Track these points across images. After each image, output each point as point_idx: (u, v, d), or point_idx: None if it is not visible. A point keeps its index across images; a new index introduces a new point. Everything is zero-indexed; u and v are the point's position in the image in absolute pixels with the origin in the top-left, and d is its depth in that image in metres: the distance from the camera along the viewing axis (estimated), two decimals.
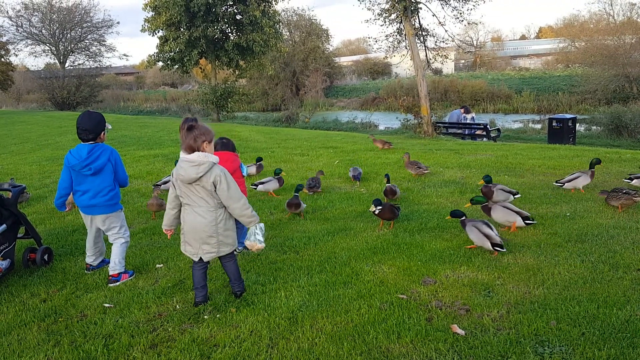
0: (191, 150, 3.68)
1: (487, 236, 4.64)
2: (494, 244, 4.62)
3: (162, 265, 4.91)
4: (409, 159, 8.64)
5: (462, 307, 3.71)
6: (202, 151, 3.68)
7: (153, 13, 25.85)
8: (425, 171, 8.50)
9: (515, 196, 6.19)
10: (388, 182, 6.91)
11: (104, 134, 4.61)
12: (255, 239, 3.88)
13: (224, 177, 3.70)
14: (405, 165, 8.69)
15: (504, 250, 4.65)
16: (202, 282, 3.94)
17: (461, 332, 3.36)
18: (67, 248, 5.57)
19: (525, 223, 5.31)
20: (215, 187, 3.69)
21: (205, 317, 3.76)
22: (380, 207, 5.58)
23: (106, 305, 4.05)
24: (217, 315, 3.77)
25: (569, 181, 6.84)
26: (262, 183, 7.42)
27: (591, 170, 6.89)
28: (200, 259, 3.86)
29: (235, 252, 5.04)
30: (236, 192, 3.75)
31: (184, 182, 3.70)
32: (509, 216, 5.29)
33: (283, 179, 7.61)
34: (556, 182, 7.08)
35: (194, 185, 3.69)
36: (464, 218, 5.00)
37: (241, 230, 5.10)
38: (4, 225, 4.63)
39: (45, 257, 5.01)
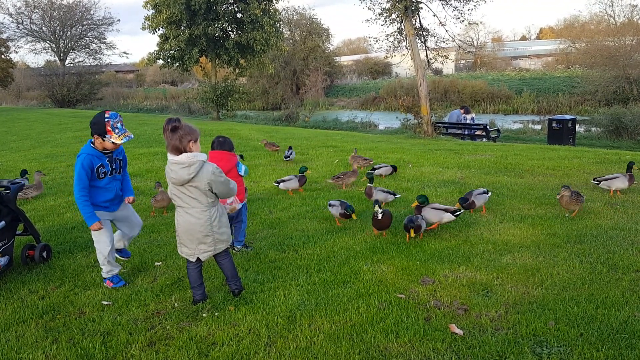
0: (177, 151, 3.59)
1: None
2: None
3: (160, 263, 4.90)
4: (356, 154, 9.34)
5: (460, 307, 3.71)
6: (189, 151, 3.60)
7: (154, 11, 25.84)
8: (371, 162, 9.18)
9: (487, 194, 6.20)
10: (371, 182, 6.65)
11: (97, 137, 4.18)
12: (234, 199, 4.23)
13: (218, 175, 3.67)
14: (351, 158, 9.18)
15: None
16: (198, 280, 3.94)
17: (459, 331, 3.36)
18: (65, 245, 5.56)
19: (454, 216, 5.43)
20: (212, 188, 3.67)
21: (204, 315, 3.76)
22: (382, 213, 5.23)
23: (104, 302, 4.05)
24: (216, 314, 3.76)
25: (605, 180, 6.75)
26: (283, 181, 7.41)
27: (629, 174, 6.69)
28: (198, 258, 3.86)
29: (235, 250, 5.07)
30: (230, 182, 3.79)
31: (176, 184, 3.66)
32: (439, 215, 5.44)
33: (305, 177, 7.52)
34: (594, 179, 6.99)
35: (186, 186, 3.65)
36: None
37: (239, 229, 5.10)
38: (3, 222, 4.63)
39: (44, 254, 5.01)
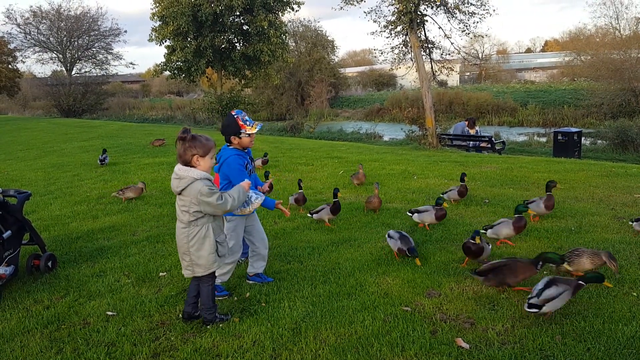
0: (182, 161, 3.55)
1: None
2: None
3: (165, 273, 4.90)
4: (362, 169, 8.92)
5: (466, 321, 3.68)
6: (194, 165, 3.51)
7: (160, 23, 26.03)
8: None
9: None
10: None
11: (234, 138, 4.26)
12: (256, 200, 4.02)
13: (206, 194, 3.44)
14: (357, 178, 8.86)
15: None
16: (190, 294, 3.82)
17: (466, 345, 3.33)
18: (70, 255, 5.57)
19: None
20: (200, 205, 3.49)
21: (208, 326, 3.75)
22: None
23: (109, 313, 4.05)
24: (220, 325, 3.75)
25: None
26: (418, 212, 6.15)
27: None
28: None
29: (240, 261, 5.06)
30: (219, 200, 3.48)
31: (173, 192, 3.64)
32: None
33: (445, 209, 6.02)
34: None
35: (179, 197, 3.58)
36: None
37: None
38: (9, 232, 4.65)
39: (49, 263, 5.02)
